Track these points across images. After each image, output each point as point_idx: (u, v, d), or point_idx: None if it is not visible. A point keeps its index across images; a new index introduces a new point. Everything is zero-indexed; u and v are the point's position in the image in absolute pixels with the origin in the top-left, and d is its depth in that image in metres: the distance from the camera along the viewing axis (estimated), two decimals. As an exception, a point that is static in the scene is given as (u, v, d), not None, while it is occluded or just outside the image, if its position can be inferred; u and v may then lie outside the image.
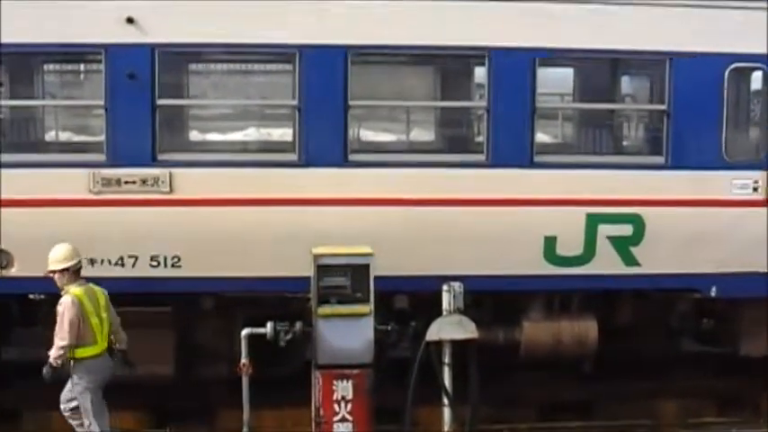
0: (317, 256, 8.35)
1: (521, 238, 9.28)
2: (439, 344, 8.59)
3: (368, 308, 8.33)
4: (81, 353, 7.93)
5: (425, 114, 12.11)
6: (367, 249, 8.43)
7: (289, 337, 8.49)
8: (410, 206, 9.13)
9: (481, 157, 9.34)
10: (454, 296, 8.52)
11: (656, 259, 9.48)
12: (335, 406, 8.33)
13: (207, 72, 11.97)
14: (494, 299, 9.87)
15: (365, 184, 9.12)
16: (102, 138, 9.03)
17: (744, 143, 9.77)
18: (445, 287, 8.55)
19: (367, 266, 8.33)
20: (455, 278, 8.66)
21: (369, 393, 8.37)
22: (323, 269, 8.33)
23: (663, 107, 9.50)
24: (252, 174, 9.10)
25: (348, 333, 8.30)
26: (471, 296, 8.99)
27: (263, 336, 8.49)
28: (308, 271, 8.40)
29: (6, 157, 8.89)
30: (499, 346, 9.85)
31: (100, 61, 8.94)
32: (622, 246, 9.43)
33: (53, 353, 7.85)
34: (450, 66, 10.83)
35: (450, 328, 8.52)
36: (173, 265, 9.05)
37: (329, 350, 8.34)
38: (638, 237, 9.42)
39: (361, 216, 9.06)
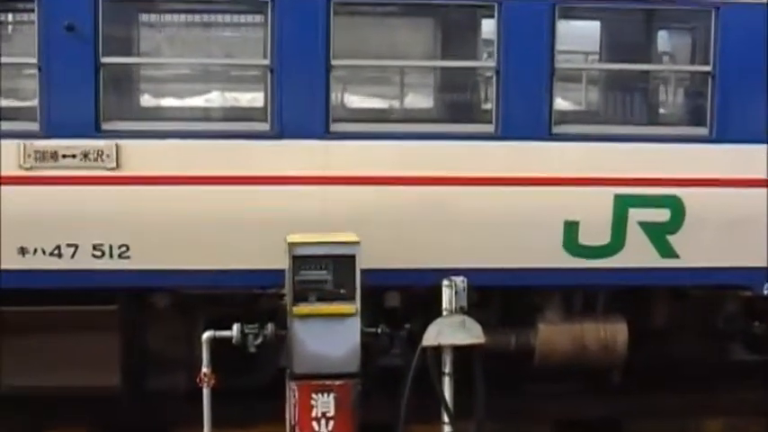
0: (292, 245, 8.33)
1: (536, 224, 9.29)
2: (438, 350, 8.58)
3: (353, 307, 8.32)
4: None
5: (423, 76, 12.11)
6: (352, 237, 8.41)
7: (259, 341, 8.47)
8: (404, 185, 9.14)
9: (489, 128, 9.34)
10: (456, 293, 8.48)
11: (697, 250, 9.50)
12: (314, 424, 8.32)
13: (161, 24, 11.91)
14: (503, 296, 9.92)
15: (350, 160, 9.12)
16: (34, 102, 8.99)
17: (804, 112, 9.80)
18: (446, 282, 8.53)
19: (352, 257, 8.30)
20: (457, 272, 8.62)
21: (354, 408, 8.38)
22: (299, 260, 8.30)
23: (707, 68, 9.50)
24: (215, 147, 9.08)
25: (330, 337, 8.29)
26: (477, 293, 8.99)
27: (229, 340, 8.48)
28: (282, 263, 8.40)
29: None
30: (510, 352, 9.92)
31: (32, 10, 8.89)
32: (657, 234, 9.45)
33: None
34: (452, 18, 10.82)
35: (452, 331, 8.51)
36: (120, 256, 9.04)
37: (307, 357, 8.32)
38: (676, 223, 9.44)
39: (346, 197, 9.07)
